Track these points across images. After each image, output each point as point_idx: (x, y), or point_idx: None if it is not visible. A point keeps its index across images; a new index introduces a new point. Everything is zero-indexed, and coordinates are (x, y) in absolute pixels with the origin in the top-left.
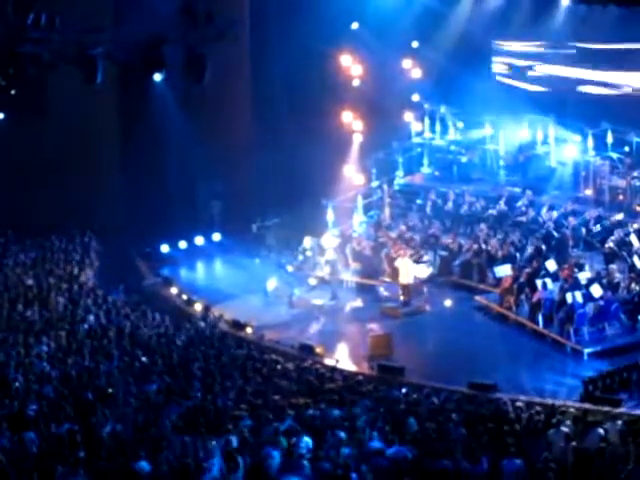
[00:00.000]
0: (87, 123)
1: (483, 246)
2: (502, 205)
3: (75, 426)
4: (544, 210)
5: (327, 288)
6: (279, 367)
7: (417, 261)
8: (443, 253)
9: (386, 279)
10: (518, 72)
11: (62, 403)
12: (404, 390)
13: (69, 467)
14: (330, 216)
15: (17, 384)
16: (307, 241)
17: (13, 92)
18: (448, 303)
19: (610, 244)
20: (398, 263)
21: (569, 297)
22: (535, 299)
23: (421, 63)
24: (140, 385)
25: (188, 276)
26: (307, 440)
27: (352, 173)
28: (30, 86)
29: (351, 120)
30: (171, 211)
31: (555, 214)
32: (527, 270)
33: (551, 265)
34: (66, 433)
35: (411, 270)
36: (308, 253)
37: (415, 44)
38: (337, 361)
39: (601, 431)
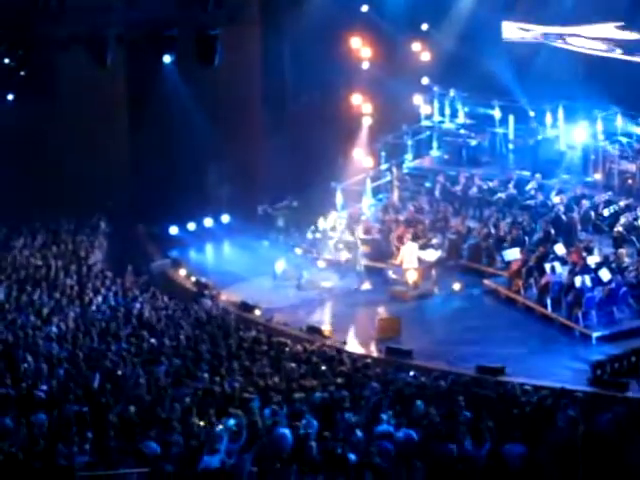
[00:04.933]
0: (96, 105)
1: (492, 230)
2: (511, 188)
3: (84, 407)
4: (553, 194)
5: (336, 270)
6: (287, 349)
7: (425, 244)
8: (452, 236)
9: (394, 262)
10: (527, 54)
11: (71, 384)
12: (412, 373)
13: (78, 448)
14: (339, 199)
15: (26, 365)
16: (320, 222)
17: (22, 73)
18: (457, 286)
19: (619, 228)
20: (404, 247)
21: (578, 281)
22: (543, 283)
23: (431, 46)
24: (148, 367)
25: (197, 258)
26: (314, 422)
27: (361, 156)
28: (39, 67)
29: (360, 103)
30: (180, 193)
31: (564, 198)
32: (536, 254)
33: (560, 249)
34: (75, 414)
35: (417, 254)
36: (317, 235)
37: (425, 27)
38: (345, 343)
39: (609, 415)
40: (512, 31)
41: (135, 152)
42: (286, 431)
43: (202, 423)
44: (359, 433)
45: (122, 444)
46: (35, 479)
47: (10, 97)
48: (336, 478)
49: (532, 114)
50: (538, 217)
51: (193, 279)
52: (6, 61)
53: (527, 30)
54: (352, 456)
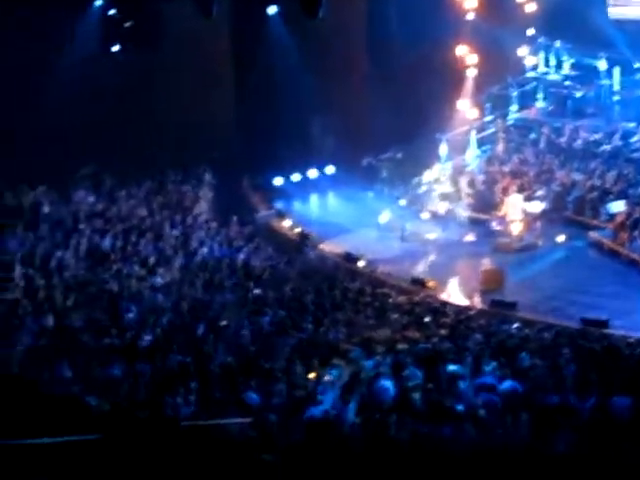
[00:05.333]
0: (201, 56)
1: (597, 182)
2: (617, 140)
3: (187, 357)
4: None
5: (440, 222)
6: (391, 300)
7: (530, 196)
8: (557, 188)
9: (498, 214)
10: (635, 6)
11: (175, 335)
12: (516, 325)
13: (183, 398)
14: (443, 150)
15: (130, 315)
16: (421, 174)
17: (128, 24)
18: (561, 239)
19: None
20: (509, 198)
21: None
22: None
23: None
24: (253, 317)
25: (301, 209)
26: (417, 373)
27: (466, 107)
28: (145, 19)
29: (466, 54)
30: (285, 144)
31: None
32: None
33: None
34: (178, 364)
35: (521, 206)
36: (422, 187)
37: None
38: (449, 295)
39: None
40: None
41: (240, 103)
42: (389, 382)
43: (308, 374)
44: (462, 385)
45: (225, 394)
46: (140, 429)
47: (115, 48)
48: (441, 429)
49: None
50: None
51: (297, 230)
52: (112, 12)
53: None
54: (459, 407)
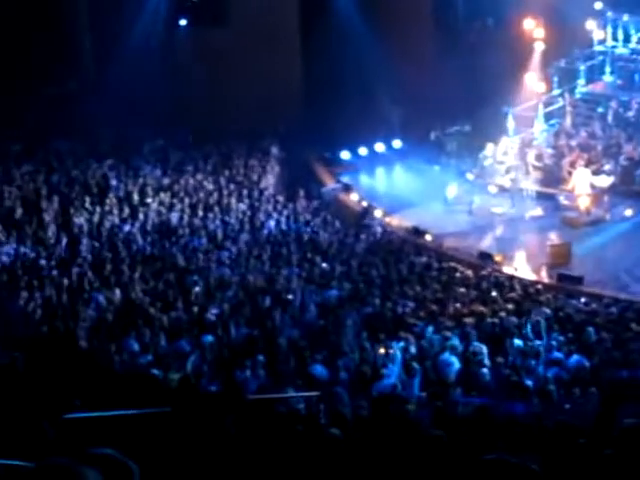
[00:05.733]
0: (268, 29)
1: None
2: None
3: (254, 331)
4: None
5: (507, 196)
6: (458, 275)
7: (598, 170)
8: (625, 162)
9: (566, 188)
10: None
11: (242, 308)
12: (583, 299)
13: (249, 370)
14: (511, 124)
15: (198, 289)
16: (488, 149)
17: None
18: (629, 213)
19: None
20: (576, 172)
21: None
22: None
23: None
24: (319, 291)
25: (368, 182)
26: (483, 348)
27: (533, 81)
28: None
29: (533, 28)
30: (351, 117)
31: None
32: None
33: None
34: (245, 338)
35: (589, 180)
36: (489, 161)
37: None
38: (516, 269)
39: None
40: None
41: (307, 76)
42: (454, 357)
43: (374, 348)
44: (530, 360)
45: (292, 368)
46: (208, 403)
47: (183, 22)
48: (511, 404)
49: None
50: None
51: (364, 204)
52: None
53: None
54: (529, 382)
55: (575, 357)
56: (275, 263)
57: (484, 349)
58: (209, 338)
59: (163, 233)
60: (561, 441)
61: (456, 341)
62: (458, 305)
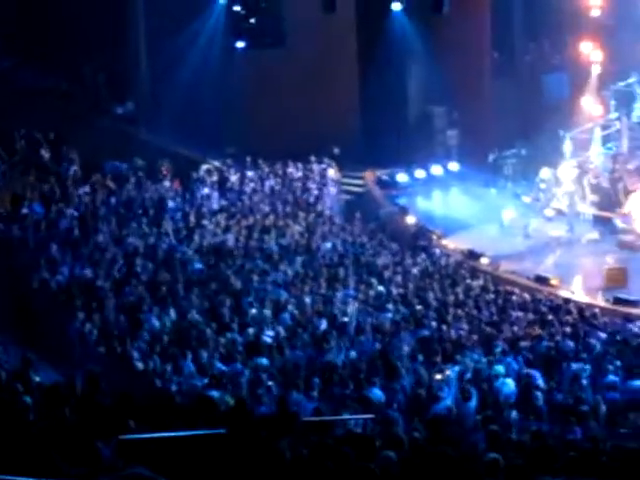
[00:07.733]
0: (325, 52)
1: None
2: None
3: (309, 353)
4: None
5: (564, 220)
6: (514, 298)
7: None
8: None
9: (623, 211)
10: None
11: (298, 330)
12: (639, 323)
13: (303, 393)
14: (567, 147)
15: (253, 311)
16: (545, 172)
17: (252, 20)
18: None
19: None
20: (633, 196)
21: None
22: None
23: None
24: (375, 314)
25: (424, 205)
26: (539, 372)
27: (590, 104)
28: (268, 13)
29: (590, 50)
30: (408, 140)
31: None
32: None
33: None
34: (300, 360)
35: None
36: (545, 184)
37: None
38: (572, 292)
39: None
40: None
41: (364, 98)
42: (510, 380)
43: (432, 372)
44: (585, 383)
45: (348, 390)
46: (261, 425)
47: (241, 44)
48: (564, 427)
49: None
50: None
51: (421, 226)
52: (237, 9)
53: None
54: (585, 407)
55: (634, 382)
56: (331, 285)
57: (538, 373)
58: (264, 360)
59: (219, 254)
60: (618, 465)
61: (512, 364)
62: (514, 328)
